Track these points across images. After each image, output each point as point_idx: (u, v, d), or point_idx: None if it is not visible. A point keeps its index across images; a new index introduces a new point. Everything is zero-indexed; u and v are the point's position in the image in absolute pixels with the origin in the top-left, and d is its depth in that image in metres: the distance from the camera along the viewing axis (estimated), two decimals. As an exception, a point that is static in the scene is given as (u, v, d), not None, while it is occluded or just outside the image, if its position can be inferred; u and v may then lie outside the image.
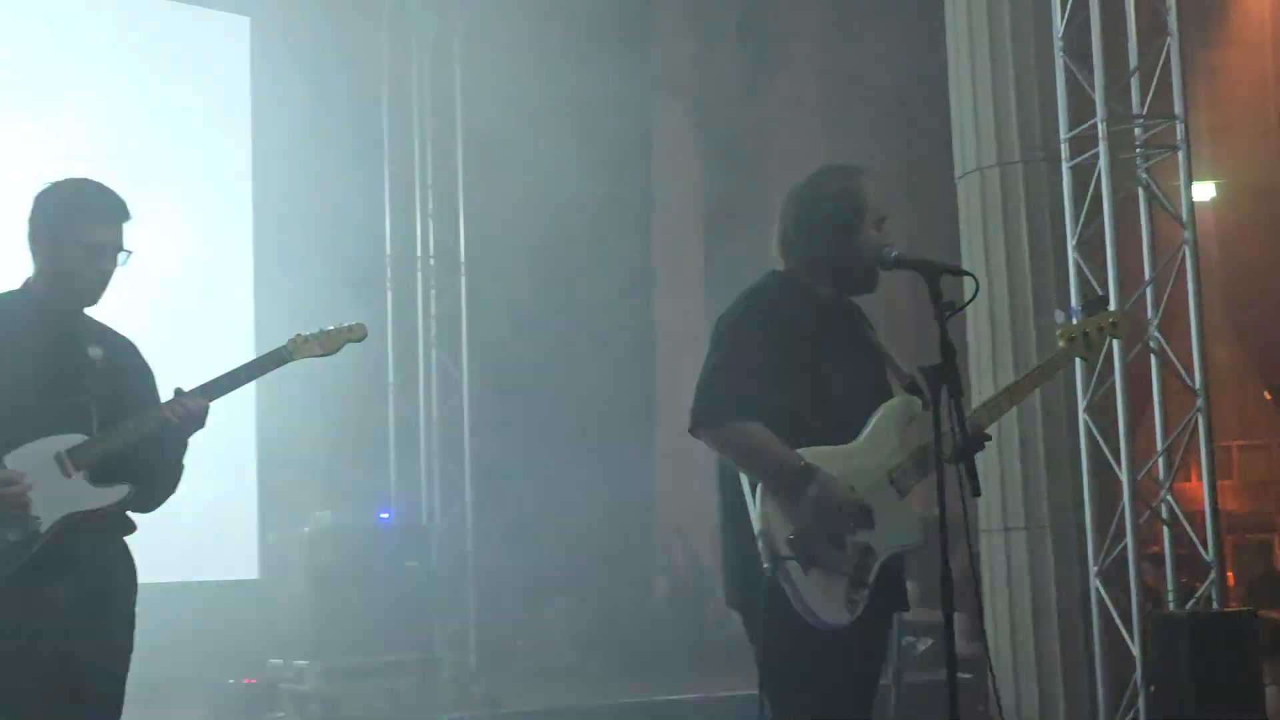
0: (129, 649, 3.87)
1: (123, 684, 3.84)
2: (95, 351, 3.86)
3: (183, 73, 9.04)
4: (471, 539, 9.76)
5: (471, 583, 9.57)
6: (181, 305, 8.46)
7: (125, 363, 3.95)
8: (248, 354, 8.38)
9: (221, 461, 8.36)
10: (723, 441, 3.87)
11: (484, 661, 9.07)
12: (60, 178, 3.92)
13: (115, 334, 3.99)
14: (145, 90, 8.76)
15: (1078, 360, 7.40)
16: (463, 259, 10.21)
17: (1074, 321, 4.48)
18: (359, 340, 4.23)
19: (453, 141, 10.30)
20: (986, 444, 4.01)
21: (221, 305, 9.04)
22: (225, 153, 9.22)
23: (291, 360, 4.07)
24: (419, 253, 10.36)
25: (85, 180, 3.91)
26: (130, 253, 3.89)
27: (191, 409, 3.79)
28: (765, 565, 3.73)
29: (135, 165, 8.49)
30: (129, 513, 3.90)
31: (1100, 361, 7.28)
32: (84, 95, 8.45)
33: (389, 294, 10.30)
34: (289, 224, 9.24)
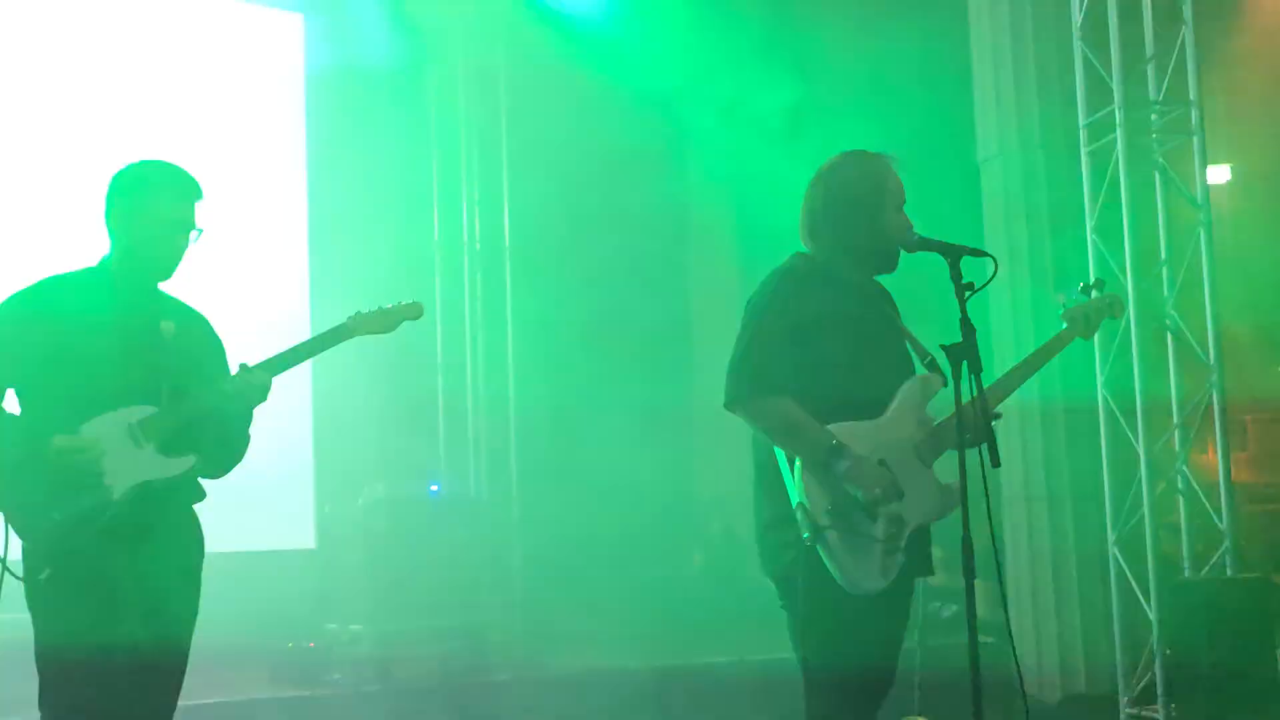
0: (195, 612, 3.90)
1: (188, 645, 3.87)
2: (168, 326, 3.88)
3: (240, 68, 9.05)
4: (517, 510, 9.81)
5: (518, 552, 9.61)
6: (242, 287, 8.50)
7: (197, 337, 3.99)
8: (304, 334, 8.40)
9: (279, 436, 8.40)
10: (756, 416, 3.89)
11: (530, 626, 9.08)
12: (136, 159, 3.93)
13: (189, 309, 4.03)
14: (206, 84, 8.79)
15: (1096, 337, 7.45)
16: (507, 244, 10.23)
17: (1074, 302, 4.49)
18: (415, 318, 4.23)
19: (497, 132, 10.31)
20: (998, 419, 3.98)
21: (279, 289, 9.07)
22: (282, 144, 9.22)
23: (351, 336, 4.09)
24: (465, 239, 10.38)
25: (161, 161, 3.95)
26: (201, 230, 3.91)
27: (255, 383, 3.82)
28: (805, 536, 3.75)
29: (198, 154, 8.54)
30: (199, 480, 3.92)
31: (1118, 336, 7.31)
32: (148, 90, 8.50)
33: (437, 279, 10.30)
34: (342, 214, 9.25)
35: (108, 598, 3.65)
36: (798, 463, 3.81)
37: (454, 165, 10.46)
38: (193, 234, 3.91)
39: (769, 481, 3.93)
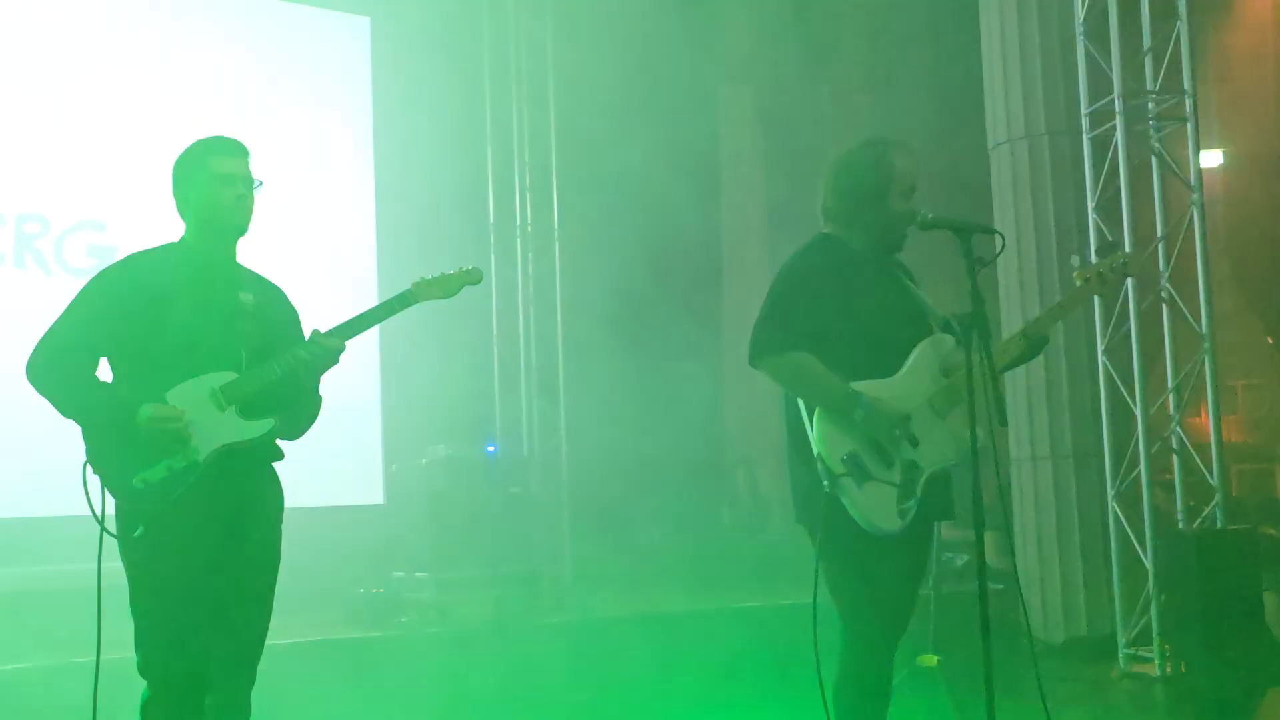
0: (277, 561, 3.88)
1: (272, 591, 3.85)
2: (246, 297, 3.83)
3: (314, 66, 9.08)
4: (566, 468, 9.84)
5: (566, 506, 9.64)
6: (317, 262, 8.55)
7: (274, 307, 3.93)
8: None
9: (349, 401, 8.47)
10: (777, 369, 3.89)
11: (577, 573, 9.14)
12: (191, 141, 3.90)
13: (266, 281, 3.98)
14: (280, 84, 8.84)
15: (1097, 310, 7.44)
16: (556, 226, 10.25)
17: (1085, 263, 4.49)
18: (476, 283, 4.07)
19: (546, 124, 10.32)
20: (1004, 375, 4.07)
21: (350, 265, 9.12)
22: (352, 137, 9.27)
23: (416, 302, 3.94)
24: (518, 222, 10.40)
25: (210, 136, 3.89)
26: (261, 182, 3.86)
27: (329, 347, 3.76)
28: (825, 483, 3.76)
29: (274, 147, 8.58)
30: (277, 442, 3.90)
31: (1117, 308, 7.32)
32: (226, 89, 8.53)
33: (492, 258, 10.37)
34: (406, 199, 9.28)
35: (197, 552, 3.65)
36: (816, 414, 3.81)
37: (508, 156, 10.49)
38: (253, 184, 3.84)
39: (799, 442, 3.91)
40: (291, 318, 3.99)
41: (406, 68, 9.41)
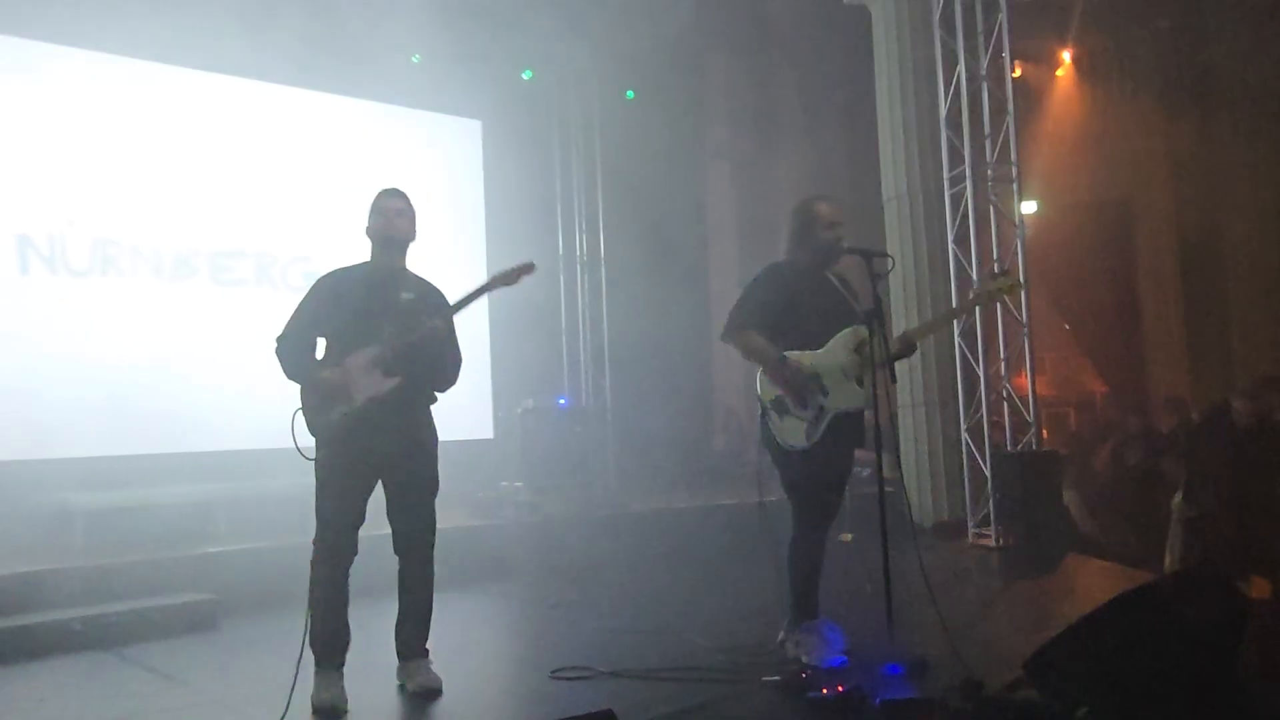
0: (432, 470, 3.83)
1: (429, 488, 3.82)
2: (407, 295, 3.77)
3: (436, 162, 8.94)
4: (611, 415, 9.91)
5: (611, 440, 9.72)
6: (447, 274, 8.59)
7: (423, 300, 3.81)
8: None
9: (472, 369, 8.54)
10: (737, 341, 3.96)
11: (620, 482, 9.21)
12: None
13: (426, 282, 3.89)
14: (409, 176, 8.85)
15: (955, 302, 7.43)
16: (602, 256, 10.29)
17: (985, 285, 4.48)
18: (530, 273, 3.72)
19: (595, 189, 10.34)
20: (914, 351, 4.10)
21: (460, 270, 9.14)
22: (467, 205, 9.23)
23: (493, 289, 3.69)
24: (577, 253, 10.43)
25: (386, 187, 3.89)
26: (414, 212, 3.83)
27: (435, 329, 3.68)
28: (759, 414, 3.89)
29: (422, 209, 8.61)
30: (430, 392, 3.81)
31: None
32: (362, 181, 8.50)
33: (560, 277, 10.38)
34: (510, 237, 9.24)
35: (362, 468, 3.66)
36: (759, 370, 3.90)
37: (570, 209, 10.49)
38: (408, 216, 3.78)
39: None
40: (437, 307, 3.78)
41: (506, 154, 9.42)
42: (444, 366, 3.81)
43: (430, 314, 3.71)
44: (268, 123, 7.97)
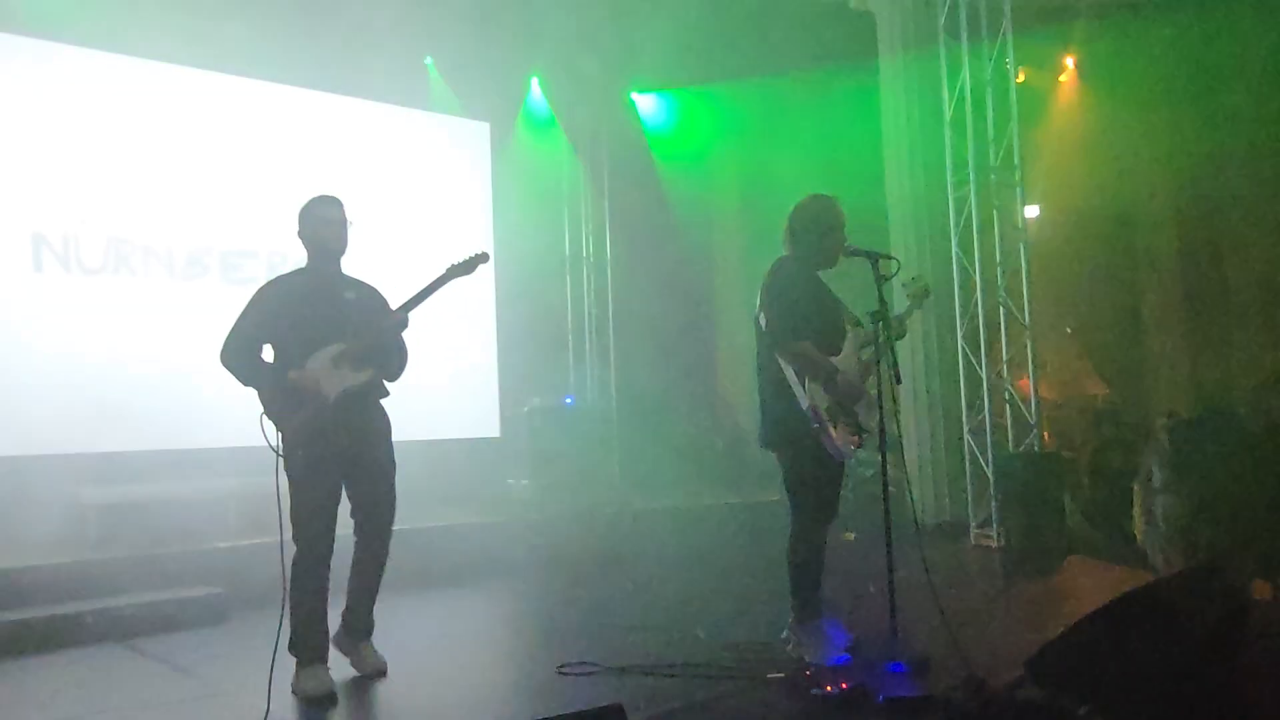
0: (391, 457, 3.92)
1: (392, 478, 3.90)
2: (350, 295, 3.89)
3: (446, 162, 8.99)
4: (615, 415, 9.92)
5: (615, 438, 9.70)
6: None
7: (368, 300, 3.94)
8: (489, 302, 8.40)
9: (477, 368, 8.54)
10: (793, 352, 3.84)
11: (625, 480, 9.19)
12: (309, 198, 3.94)
13: (363, 283, 4.00)
14: (418, 176, 8.88)
15: (956, 308, 7.44)
16: (609, 258, 10.28)
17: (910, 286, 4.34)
18: (485, 262, 3.90)
19: (602, 190, 10.34)
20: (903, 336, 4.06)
21: (472, 285, 9.13)
22: (474, 206, 9.25)
23: (449, 280, 3.83)
24: (583, 254, 10.42)
25: (317, 195, 3.94)
26: (353, 221, 3.92)
27: (399, 320, 3.80)
28: (814, 425, 3.76)
29: (429, 212, 8.60)
30: (385, 384, 3.92)
31: (970, 308, 7.31)
32: (372, 182, 8.43)
33: (567, 278, 10.34)
34: (516, 235, 9.26)
35: (335, 460, 3.74)
36: (807, 379, 3.78)
37: (577, 211, 10.46)
38: (347, 225, 3.87)
39: (777, 393, 3.89)
40: (382, 304, 3.94)
41: (514, 155, 9.42)
42: (399, 359, 3.92)
43: (378, 311, 3.83)
44: (279, 124, 7.97)
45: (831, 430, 3.79)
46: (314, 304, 3.79)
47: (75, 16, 6.97)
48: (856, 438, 3.84)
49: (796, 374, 3.82)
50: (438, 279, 3.81)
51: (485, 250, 3.91)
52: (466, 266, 3.83)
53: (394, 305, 3.91)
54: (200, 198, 7.54)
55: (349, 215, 3.93)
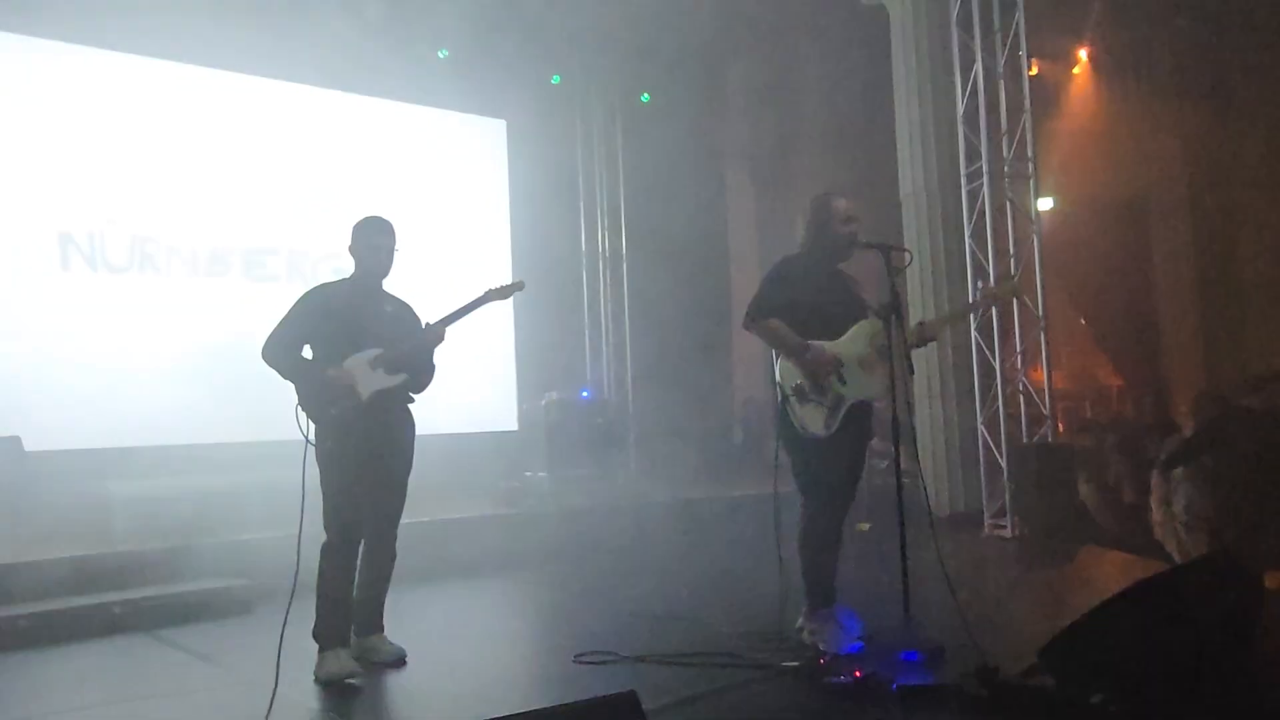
0: (410, 460, 4.02)
1: (405, 481, 4.00)
2: (388, 308, 4.02)
3: (464, 159, 9.01)
4: (632, 407, 9.92)
5: (631, 431, 9.73)
6: (467, 280, 8.60)
7: (403, 313, 4.06)
8: (507, 307, 8.42)
9: (496, 364, 8.57)
10: (760, 329, 3.88)
11: (641, 472, 9.17)
12: (363, 216, 4.05)
13: (399, 299, 4.11)
14: (436, 174, 8.88)
15: (971, 296, 7.39)
16: (624, 254, 10.29)
17: (990, 286, 4.42)
18: (520, 290, 4.08)
19: (618, 187, 10.35)
20: (933, 340, 4.07)
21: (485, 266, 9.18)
22: (492, 202, 9.27)
23: (487, 303, 3.98)
24: (599, 249, 10.43)
25: (372, 215, 4.05)
26: (399, 249, 4.02)
27: (436, 331, 3.92)
28: (779, 400, 3.79)
29: (448, 208, 8.63)
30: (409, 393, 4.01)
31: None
32: (392, 179, 8.47)
33: (584, 273, 10.40)
34: (533, 234, 9.30)
35: (364, 454, 3.83)
36: (778, 356, 3.83)
37: (594, 208, 10.49)
38: (394, 252, 3.99)
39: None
40: (415, 319, 4.08)
41: (530, 152, 9.43)
42: (426, 370, 4.04)
43: (412, 326, 3.97)
44: (300, 123, 8.02)
45: (797, 407, 3.78)
46: (355, 311, 3.92)
47: (100, 21, 7.02)
48: (828, 417, 3.79)
49: (774, 353, 3.86)
50: (475, 300, 3.94)
51: (522, 279, 4.09)
52: (503, 292, 3.98)
53: (420, 314, 4.04)
54: (223, 196, 7.59)
55: (397, 242, 4.04)
